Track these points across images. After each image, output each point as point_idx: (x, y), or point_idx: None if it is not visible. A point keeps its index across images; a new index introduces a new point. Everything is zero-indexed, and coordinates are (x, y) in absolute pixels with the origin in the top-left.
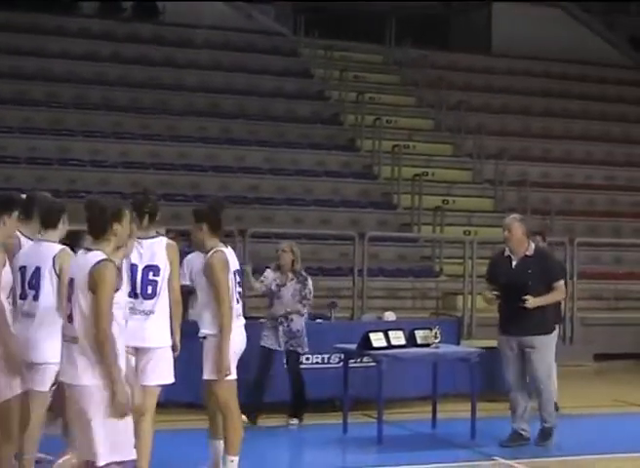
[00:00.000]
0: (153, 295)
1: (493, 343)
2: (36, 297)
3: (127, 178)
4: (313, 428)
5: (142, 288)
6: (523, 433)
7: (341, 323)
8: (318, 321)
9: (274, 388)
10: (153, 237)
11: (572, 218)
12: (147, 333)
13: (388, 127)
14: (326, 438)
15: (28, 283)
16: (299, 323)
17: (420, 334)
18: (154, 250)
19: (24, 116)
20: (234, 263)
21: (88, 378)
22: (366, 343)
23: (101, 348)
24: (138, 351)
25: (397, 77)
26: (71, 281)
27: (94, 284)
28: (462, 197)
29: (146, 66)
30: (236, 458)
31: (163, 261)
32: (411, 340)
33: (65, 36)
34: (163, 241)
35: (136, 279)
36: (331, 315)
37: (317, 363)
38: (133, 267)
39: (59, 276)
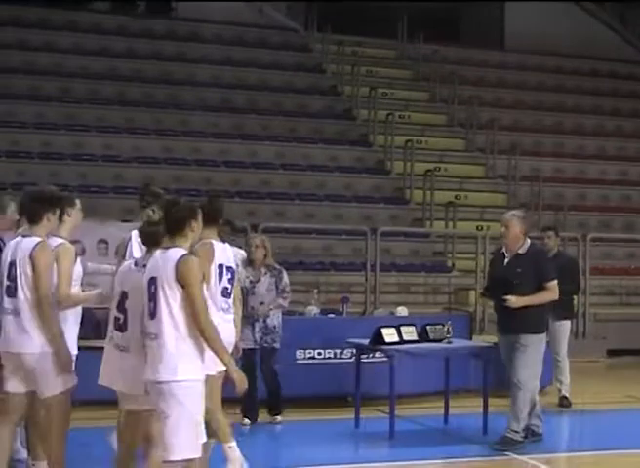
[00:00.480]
0: None
1: None
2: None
3: (140, 173)
4: (325, 423)
5: None
6: (535, 429)
7: (354, 318)
8: (330, 316)
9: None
10: None
11: (585, 214)
12: None
13: (401, 122)
14: (338, 433)
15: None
16: (275, 318)
17: (432, 330)
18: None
19: (38, 111)
20: (222, 258)
21: (170, 375)
22: (378, 338)
23: (209, 337)
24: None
25: (409, 72)
26: (153, 279)
27: (182, 278)
28: (475, 192)
29: (159, 62)
30: (233, 443)
31: None
32: (423, 335)
33: (78, 32)
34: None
35: None
36: (343, 310)
37: (329, 358)
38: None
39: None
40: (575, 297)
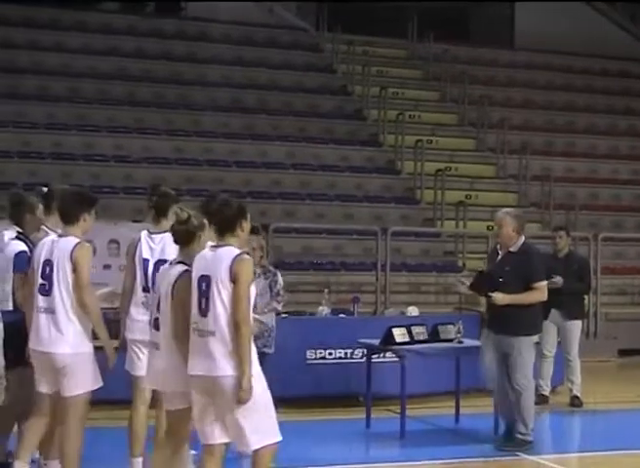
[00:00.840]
0: None
1: None
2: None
3: (150, 174)
4: (336, 423)
5: (153, 282)
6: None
7: (364, 318)
8: (341, 316)
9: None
10: (165, 232)
11: (596, 213)
12: None
13: (411, 122)
14: (349, 433)
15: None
16: (269, 322)
17: (442, 329)
18: (164, 244)
19: (48, 112)
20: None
21: (231, 369)
22: (389, 338)
23: (240, 335)
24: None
25: (420, 72)
26: (203, 277)
27: (236, 276)
28: (486, 192)
29: (169, 62)
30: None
31: (172, 256)
32: (434, 335)
33: (87, 32)
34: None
35: (147, 273)
36: (354, 310)
37: (340, 358)
38: (145, 262)
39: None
40: (586, 297)
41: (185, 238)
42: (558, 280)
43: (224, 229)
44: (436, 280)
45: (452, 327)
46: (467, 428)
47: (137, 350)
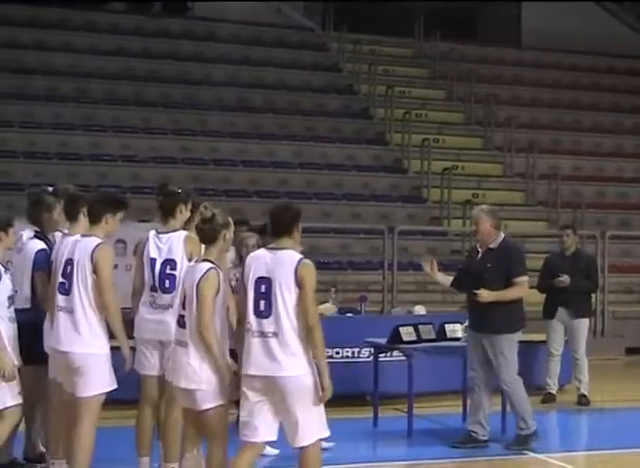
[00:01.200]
0: (171, 289)
1: (523, 337)
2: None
3: (157, 173)
4: (343, 422)
5: (161, 282)
6: (474, 435)
7: (371, 317)
8: (348, 315)
9: None
10: (173, 231)
11: (603, 211)
12: (169, 327)
13: (418, 120)
14: (356, 432)
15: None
16: None
17: (450, 328)
18: (171, 243)
19: (54, 112)
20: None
21: (294, 369)
22: (396, 337)
23: (314, 336)
24: (163, 344)
25: (426, 71)
26: (263, 279)
27: (302, 280)
28: (492, 190)
29: (176, 61)
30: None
31: (180, 255)
32: (441, 334)
33: (95, 32)
34: (181, 235)
35: (155, 273)
36: (361, 309)
37: (347, 357)
38: (152, 261)
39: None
40: (593, 295)
41: (211, 236)
42: (565, 278)
43: (283, 232)
44: None
45: (459, 325)
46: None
47: (144, 350)
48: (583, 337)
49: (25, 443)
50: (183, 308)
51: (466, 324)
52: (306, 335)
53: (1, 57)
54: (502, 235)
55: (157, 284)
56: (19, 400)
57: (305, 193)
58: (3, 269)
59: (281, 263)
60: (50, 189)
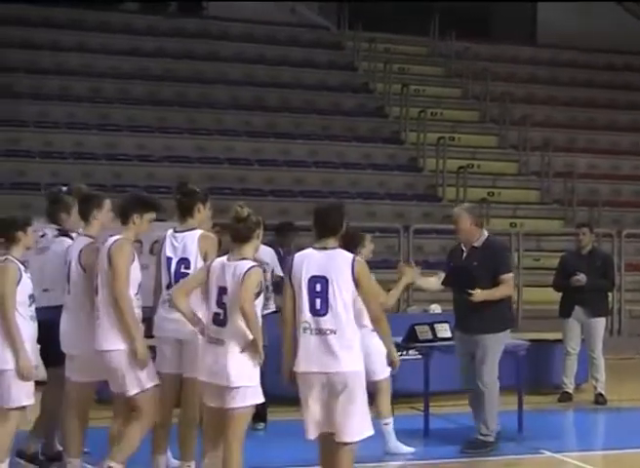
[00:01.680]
0: None
1: (539, 336)
2: (69, 291)
3: (173, 173)
4: None
5: (176, 280)
6: (481, 438)
7: (387, 315)
8: None
9: None
10: (189, 230)
11: (619, 210)
12: (186, 325)
13: (433, 119)
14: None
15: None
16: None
17: None
18: (186, 242)
19: (69, 111)
20: None
21: (354, 364)
22: (412, 336)
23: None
24: (181, 343)
25: (441, 69)
26: (317, 278)
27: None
28: (508, 189)
29: (191, 61)
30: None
31: (194, 254)
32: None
33: (109, 32)
34: (196, 233)
35: (170, 272)
36: None
37: None
38: (168, 260)
39: (84, 269)
40: (610, 294)
41: (245, 235)
42: (582, 277)
43: (329, 233)
44: None
45: None
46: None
47: (163, 348)
48: (600, 336)
49: (45, 440)
50: (218, 307)
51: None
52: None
53: (16, 57)
54: (486, 233)
55: (173, 282)
56: (32, 400)
57: (321, 192)
58: (23, 268)
59: (335, 262)
60: (64, 189)
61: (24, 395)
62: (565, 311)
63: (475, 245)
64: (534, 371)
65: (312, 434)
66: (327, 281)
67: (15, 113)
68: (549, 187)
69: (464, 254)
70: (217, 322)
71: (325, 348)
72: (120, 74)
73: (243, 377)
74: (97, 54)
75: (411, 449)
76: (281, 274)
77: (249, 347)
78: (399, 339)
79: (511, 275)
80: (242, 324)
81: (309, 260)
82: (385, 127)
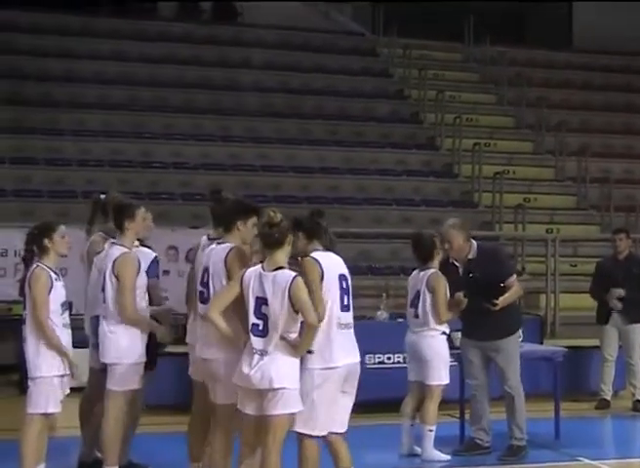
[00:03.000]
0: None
1: (576, 342)
2: (104, 300)
3: (208, 180)
4: (395, 428)
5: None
6: (479, 442)
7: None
8: (400, 320)
9: None
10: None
11: None
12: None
13: (468, 125)
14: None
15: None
16: None
17: None
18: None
19: (106, 119)
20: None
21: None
22: (448, 342)
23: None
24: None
25: (476, 75)
26: (343, 276)
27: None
28: (544, 195)
29: (225, 68)
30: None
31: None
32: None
33: (145, 40)
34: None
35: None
36: None
37: (399, 362)
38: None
39: (117, 278)
40: None
41: (278, 241)
42: (620, 292)
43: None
44: None
45: None
46: (528, 433)
47: (193, 354)
48: (638, 343)
49: (82, 447)
50: (257, 317)
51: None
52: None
53: (54, 66)
54: (475, 243)
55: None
56: (59, 408)
57: (355, 198)
58: (55, 276)
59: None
60: (102, 197)
61: (52, 403)
62: (602, 318)
63: (470, 257)
64: (571, 378)
65: (340, 428)
66: (348, 279)
67: (53, 122)
68: (586, 193)
69: (461, 270)
70: (256, 333)
71: (350, 341)
72: (157, 82)
73: (285, 380)
74: (134, 62)
75: (447, 457)
76: None
77: (294, 355)
78: None
79: (514, 276)
80: (289, 335)
81: (328, 260)
82: (420, 133)
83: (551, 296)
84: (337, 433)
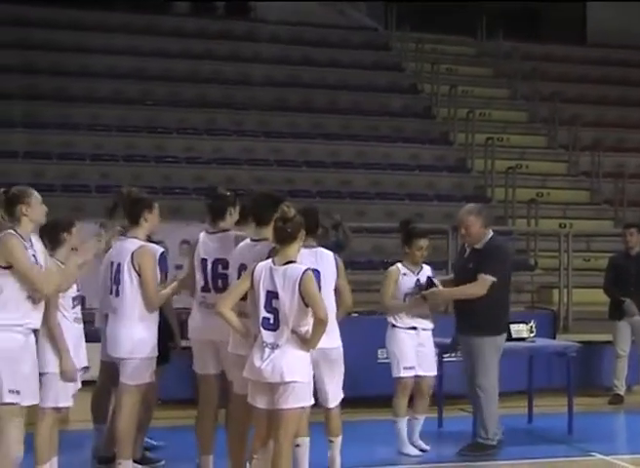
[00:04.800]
0: (224, 289)
1: (589, 337)
2: (118, 293)
3: (221, 175)
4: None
5: (214, 281)
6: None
7: (436, 316)
8: None
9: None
10: (222, 231)
11: None
12: (221, 327)
13: (482, 120)
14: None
15: (114, 279)
16: None
17: (515, 328)
18: (222, 243)
19: (120, 114)
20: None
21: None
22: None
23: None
24: (215, 344)
25: (490, 69)
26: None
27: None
28: (557, 189)
29: (238, 63)
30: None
31: (227, 255)
32: (507, 334)
33: (159, 35)
34: (231, 235)
35: (206, 273)
36: None
37: None
38: (203, 261)
39: (138, 273)
40: None
41: (290, 235)
42: (631, 307)
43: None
44: None
45: (524, 325)
46: (541, 428)
47: (199, 350)
48: None
49: (103, 442)
50: (268, 311)
51: (532, 323)
52: None
53: (68, 61)
54: (490, 234)
55: (210, 284)
56: (70, 402)
57: (368, 193)
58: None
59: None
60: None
61: (63, 397)
62: (615, 313)
63: (477, 247)
64: (584, 373)
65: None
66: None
67: (67, 116)
68: (599, 187)
69: (465, 255)
70: (267, 326)
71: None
72: (170, 77)
73: (296, 373)
74: (147, 57)
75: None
76: None
77: (305, 348)
78: (448, 340)
79: (488, 277)
80: (300, 329)
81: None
82: (433, 128)
83: (564, 291)
84: None
